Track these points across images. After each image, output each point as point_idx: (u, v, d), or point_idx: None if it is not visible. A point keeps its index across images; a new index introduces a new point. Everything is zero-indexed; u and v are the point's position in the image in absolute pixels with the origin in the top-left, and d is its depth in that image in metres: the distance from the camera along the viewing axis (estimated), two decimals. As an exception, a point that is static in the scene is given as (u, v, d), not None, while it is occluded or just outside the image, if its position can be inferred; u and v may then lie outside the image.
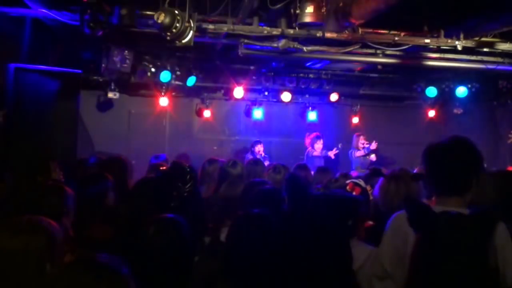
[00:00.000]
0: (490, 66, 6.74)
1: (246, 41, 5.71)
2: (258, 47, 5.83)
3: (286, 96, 8.77)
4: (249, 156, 7.70)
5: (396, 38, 5.74)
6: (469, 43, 5.90)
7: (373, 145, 8.16)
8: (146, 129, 8.48)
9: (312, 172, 5.02)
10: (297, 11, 4.75)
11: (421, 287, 1.54)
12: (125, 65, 6.55)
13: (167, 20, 4.33)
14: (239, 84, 8.26)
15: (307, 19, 4.72)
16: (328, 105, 9.32)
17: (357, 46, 6.03)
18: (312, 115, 9.21)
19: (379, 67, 7.64)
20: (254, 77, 8.36)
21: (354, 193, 3.21)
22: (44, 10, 4.94)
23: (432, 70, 7.75)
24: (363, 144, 8.21)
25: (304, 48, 5.87)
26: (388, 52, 6.23)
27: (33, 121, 5.25)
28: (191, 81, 7.86)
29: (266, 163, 6.19)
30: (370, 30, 5.72)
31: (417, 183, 2.89)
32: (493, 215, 1.73)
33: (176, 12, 4.34)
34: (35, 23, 5.48)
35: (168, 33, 4.41)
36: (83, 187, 3.07)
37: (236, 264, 2.03)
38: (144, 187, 2.96)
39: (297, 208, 2.60)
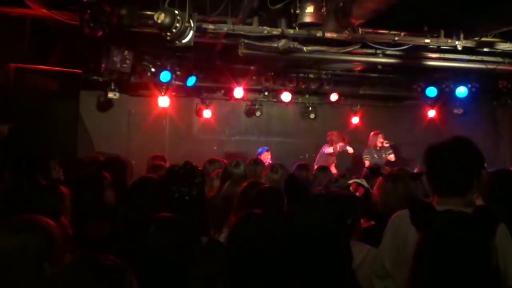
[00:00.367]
0: (490, 66, 6.74)
1: (246, 41, 5.71)
2: (258, 47, 5.83)
3: (286, 96, 8.76)
4: None
5: (396, 38, 5.75)
6: (469, 43, 5.90)
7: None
8: (146, 129, 8.48)
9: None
10: (297, 11, 4.75)
11: (423, 286, 1.54)
12: (125, 65, 6.55)
13: (167, 20, 4.33)
14: (239, 84, 8.26)
15: (307, 19, 4.72)
16: (328, 105, 9.32)
17: (357, 46, 6.03)
18: (312, 115, 9.21)
19: (379, 67, 7.63)
20: (254, 77, 8.36)
21: (357, 193, 3.21)
22: (44, 10, 4.94)
23: (432, 70, 7.75)
24: (381, 143, 7.99)
25: (304, 48, 5.87)
26: (388, 52, 6.23)
27: (33, 121, 5.26)
28: (191, 81, 7.86)
29: None
30: (370, 30, 5.72)
31: (415, 183, 2.89)
32: (496, 214, 1.73)
33: (176, 12, 4.34)
34: (35, 23, 5.49)
35: (168, 33, 4.41)
36: (80, 186, 3.07)
37: (237, 265, 2.03)
38: (143, 186, 2.96)
39: (297, 208, 2.59)
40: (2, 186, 3.72)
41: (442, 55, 6.56)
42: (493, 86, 8.51)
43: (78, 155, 5.62)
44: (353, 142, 8.94)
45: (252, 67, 7.94)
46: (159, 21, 4.34)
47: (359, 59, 6.57)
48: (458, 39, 5.79)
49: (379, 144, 8.03)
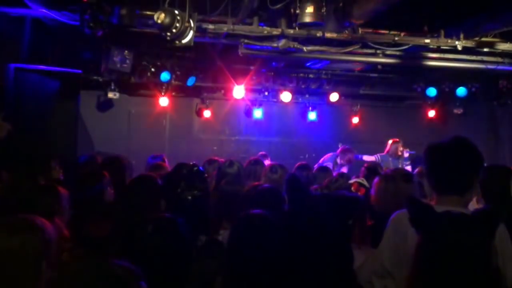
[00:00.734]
0: (490, 66, 6.74)
1: (246, 41, 5.71)
2: (258, 47, 5.82)
3: (286, 96, 8.76)
4: None
5: (396, 38, 5.74)
6: (469, 43, 5.90)
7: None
8: (146, 129, 8.48)
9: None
10: (297, 11, 4.75)
11: (423, 287, 1.54)
12: (125, 65, 6.55)
13: (167, 20, 4.33)
14: (239, 84, 8.26)
15: (307, 19, 4.72)
16: (328, 105, 9.31)
17: (357, 46, 6.03)
18: (312, 115, 9.21)
19: (379, 67, 7.63)
20: (254, 77, 8.36)
21: (359, 193, 3.21)
22: (44, 10, 4.93)
23: (432, 70, 7.75)
24: (401, 151, 7.75)
25: (304, 48, 5.87)
26: (388, 52, 6.23)
27: (33, 121, 5.26)
28: (191, 81, 7.86)
29: None
30: (370, 30, 5.72)
31: (408, 184, 2.90)
32: (496, 215, 1.74)
33: (176, 12, 4.34)
34: (35, 23, 5.48)
35: (168, 33, 4.41)
36: (79, 185, 3.08)
37: (237, 265, 2.03)
38: (141, 184, 2.97)
39: (297, 208, 2.59)
40: (1, 186, 3.73)
41: (442, 55, 6.55)
42: (493, 86, 8.51)
43: (78, 155, 5.62)
44: (353, 142, 8.95)
45: (252, 67, 7.94)
46: (159, 21, 4.34)
47: (359, 59, 6.56)
48: (458, 39, 5.79)
49: (399, 153, 7.76)
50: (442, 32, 5.82)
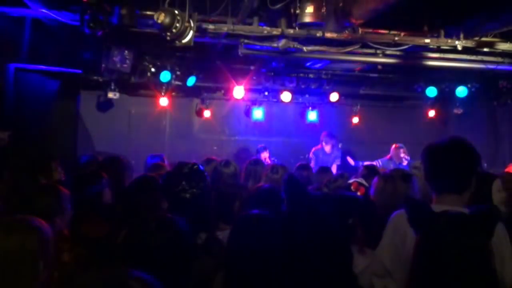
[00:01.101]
0: (490, 66, 6.73)
1: (246, 41, 5.71)
2: (258, 47, 5.83)
3: (286, 96, 8.76)
4: None
5: (396, 38, 5.74)
6: (469, 43, 5.89)
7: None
8: (146, 129, 8.49)
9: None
10: (297, 11, 4.75)
11: (422, 287, 1.54)
12: (125, 65, 6.55)
13: (167, 20, 4.33)
14: (239, 84, 8.26)
15: (307, 19, 4.72)
16: (328, 105, 9.31)
17: (357, 46, 6.03)
18: (312, 115, 9.20)
19: (379, 67, 7.63)
20: (254, 77, 8.36)
21: (358, 193, 3.21)
22: (44, 10, 4.94)
23: (432, 70, 7.74)
24: (403, 157, 7.71)
25: (304, 48, 5.87)
26: (388, 52, 6.22)
27: (33, 121, 5.26)
28: (191, 81, 7.86)
29: None
30: (370, 30, 5.72)
31: (406, 184, 2.91)
32: (494, 215, 1.74)
33: (176, 12, 4.34)
34: (35, 23, 5.49)
35: (168, 33, 4.41)
36: (78, 185, 3.08)
37: (237, 265, 2.03)
38: (142, 184, 2.97)
39: (297, 208, 2.60)
40: (2, 186, 3.73)
41: (442, 55, 6.55)
42: (493, 86, 8.51)
43: (78, 155, 5.63)
44: (353, 142, 8.96)
45: (252, 67, 7.94)
46: (159, 21, 4.34)
47: (359, 59, 6.56)
48: (458, 39, 5.78)
49: (401, 159, 7.71)
50: (442, 32, 5.82)
